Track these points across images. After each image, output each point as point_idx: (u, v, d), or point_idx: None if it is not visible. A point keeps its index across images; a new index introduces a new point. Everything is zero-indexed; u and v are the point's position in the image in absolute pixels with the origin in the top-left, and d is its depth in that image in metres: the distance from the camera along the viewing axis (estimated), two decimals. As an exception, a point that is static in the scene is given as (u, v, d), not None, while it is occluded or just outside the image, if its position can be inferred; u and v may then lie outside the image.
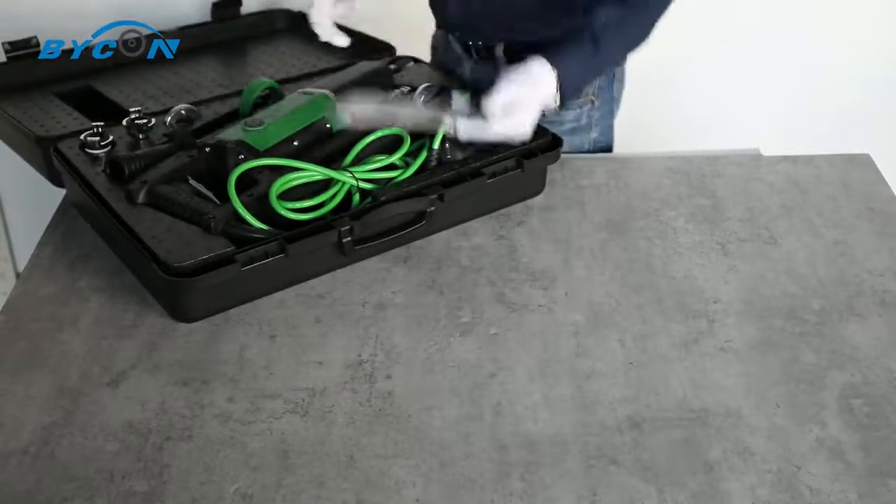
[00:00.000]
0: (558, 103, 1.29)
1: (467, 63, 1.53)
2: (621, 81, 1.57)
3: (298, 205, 1.23)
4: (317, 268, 1.24)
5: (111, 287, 1.24)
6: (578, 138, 1.54)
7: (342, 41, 1.43)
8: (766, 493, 0.95)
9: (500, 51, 1.46)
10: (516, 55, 1.41)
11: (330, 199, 1.25)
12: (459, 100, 1.35)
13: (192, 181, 1.26)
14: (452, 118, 1.30)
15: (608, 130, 1.58)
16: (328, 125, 1.36)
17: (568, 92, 1.29)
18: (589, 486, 0.96)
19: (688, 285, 1.24)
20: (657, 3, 1.31)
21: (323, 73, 1.57)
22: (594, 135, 1.55)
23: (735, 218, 1.37)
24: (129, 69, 1.63)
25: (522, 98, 1.26)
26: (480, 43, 1.49)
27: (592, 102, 1.51)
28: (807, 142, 1.67)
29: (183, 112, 1.41)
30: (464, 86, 1.45)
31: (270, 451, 1.00)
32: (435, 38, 1.62)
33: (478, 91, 1.43)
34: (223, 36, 1.76)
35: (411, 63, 1.58)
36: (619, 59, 1.39)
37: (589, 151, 1.56)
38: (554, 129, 1.40)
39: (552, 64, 1.27)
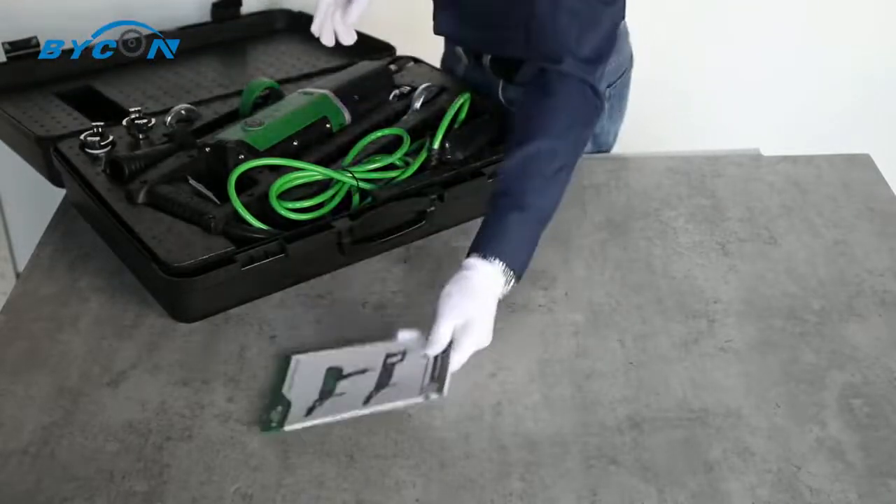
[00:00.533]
0: (513, 283, 1.13)
1: (461, 66, 1.53)
2: (620, 97, 1.53)
3: (298, 205, 1.23)
4: (317, 268, 1.24)
5: (111, 287, 1.24)
6: None
7: (349, 39, 1.32)
8: (766, 493, 0.95)
9: (486, 60, 1.45)
10: (504, 65, 1.43)
11: (330, 199, 1.25)
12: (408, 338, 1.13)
13: (192, 181, 1.26)
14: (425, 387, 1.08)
15: (602, 147, 1.56)
16: (328, 125, 1.36)
17: (520, 269, 1.13)
18: (589, 486, 0.96)
19: (688, 285, 1.24)
20: (570, 111, 1.18)
21: (323, 73, 1.57)
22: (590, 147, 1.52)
23: (735, 218, 1.37)
24: (129, 69, 1.63)
25: (470, 314, 1.08)
26: (471, 51, 1.48)
27: None
28: (807, 142, 1.67)
29: (183, 112, 1.41)
30: (464, 87, 1.46)
31: (270, 451, 1.00)
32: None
33: (475, 89, 1.44)
34: (223, 36, 1.76)
35: (411, 63, 1.58)
36: (555, 199, 1.18)
37: None
38: None
39: (490, 255, 1.11)
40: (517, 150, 1.17)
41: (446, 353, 1.06)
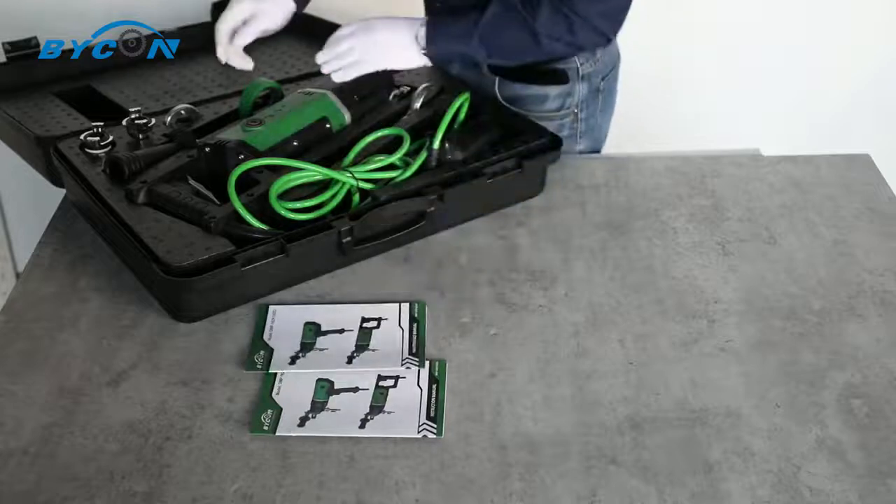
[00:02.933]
0: (424, 46, 1.33)
1: (454, 66, 1.53)
2: (611, 92, 1.56)
3: (298, 205, 1.23)
4: (317, 268, 1.24)
5: (111, 287, 1.24)
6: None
7: (245, 64, 1.43)
8: (766, 493, 0.95)
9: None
10: (498, 66, 1.46)
11: (330, 199, 1.25)
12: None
13: (191, 181, 1.26)
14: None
15: (597, 142, 1.58)
16: (328, 125, 1.37)
17: (435, 41, 1.34)
18: (589, 486, 0.96)
19: (688, 285, 1.24)
20: (556, 32, 1.32)
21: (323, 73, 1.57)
22: (579, 147, 1.54)
23: (735, 218, 1.37)
24: (129, 69, 1.63)
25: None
26: None
27: (576, 114, 1.51)
28: (807, 142, 1.67)
29: (183, 112, 1.41)
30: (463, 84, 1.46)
31: (270, 451, 1.00)
32: None
33: (501, 105, 1.48)
34: (223, 36, 1.76)
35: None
36: (505, 47, 1.35)
37: None
38: None
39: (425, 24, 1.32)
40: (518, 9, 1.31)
41: (439, 388, 1.08)
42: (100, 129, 1.34)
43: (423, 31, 1.34)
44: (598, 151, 1.59)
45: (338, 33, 1.38)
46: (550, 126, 1.45)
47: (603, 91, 1.52)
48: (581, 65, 1.46)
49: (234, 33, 1.41)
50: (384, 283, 1.24)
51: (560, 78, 1.46)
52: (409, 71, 1.55)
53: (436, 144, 1.32)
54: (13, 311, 1.20)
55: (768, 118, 2.22)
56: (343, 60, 1.36)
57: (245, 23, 1.41)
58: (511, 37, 1.33)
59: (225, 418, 1.04)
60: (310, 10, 1.83)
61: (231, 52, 1.41)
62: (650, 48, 2.10)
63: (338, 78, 1.37)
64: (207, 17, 1.76)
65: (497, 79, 1.48)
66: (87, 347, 1.14)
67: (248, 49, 1.41)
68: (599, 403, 1.06)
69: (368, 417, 1.04)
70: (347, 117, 1.39)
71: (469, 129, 1.39)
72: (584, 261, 1.28)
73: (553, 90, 1.47)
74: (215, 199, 1.23)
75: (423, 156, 1.32)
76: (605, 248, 1.31)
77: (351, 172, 1.27)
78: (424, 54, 1.35)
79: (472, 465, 0.99)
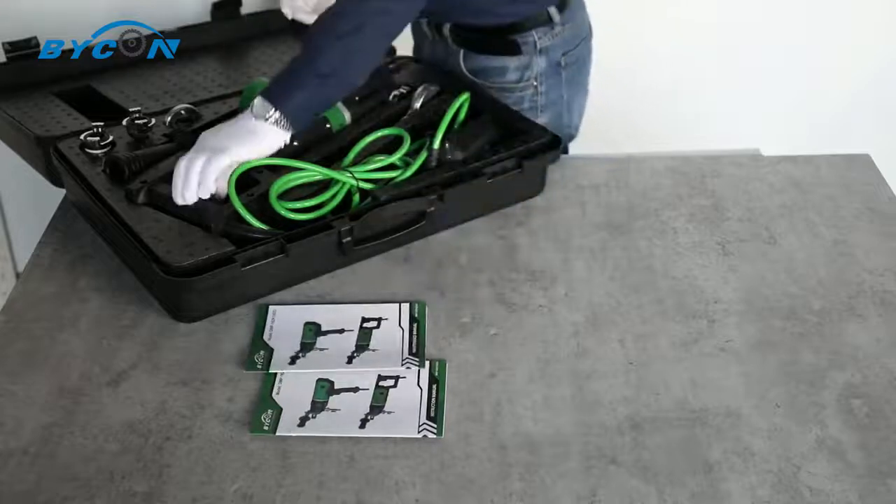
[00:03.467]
0: (285, 123, 1.21)
1: (430, 44, 1.57)
2: (579, 68, 1.57)
3: (298, 205, 1.23)
4: (317, 268, 1.24)
5: (111, 287, 1.24)
6: None
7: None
8: (766, 493, 0.95)
9: (446, 30, 1.51)
10: (461, 37, 1.50)
11: (330, 199, 1.25)
12: None
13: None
14: None
15: (561, 118, 1.58)
16: (328, 125, 1.36)
17: (292, 114, 1.21)
18: (589, 486, 0.96)
19: (688, 285, 1.24)
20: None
21: (323, 73, 1.57)
22: (542, 119, 1.54)
23: (735, 218, 1.37)
24: (129, 69, 1.63)
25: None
26: (433, 21, 1.53)
27: (535, 87, 1.52)
28: (807, 142, 1.67)
29: (183, 112, 1.41)
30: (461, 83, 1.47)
31: (270, 451, 1.00)
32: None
33: (438, 65, 1.52)
34: (223, 36, 1.76)
35: (411, 63, 1.57)
36: (336, 59, 1.23)
37: None
38: None
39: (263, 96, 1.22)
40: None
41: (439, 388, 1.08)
42: (100, 129, 1.34)
43: (258, 101, 1.22)
44: (566, 127, 1.59)
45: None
46: (511, 98, 1.50)
47: (566, 66, 1.54)
48: (539, 38, 1.48)
49: None
50: (384, 283, 1.24)
51: (512, 49, 1.49)
52: (409, 71, 1.55)
53: (436, 144, 1.32)
54: (13, 311, 1.20)
55: (768, 118, 2.22)
56: (191, 175, 1.19)
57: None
58: (337, 38, 1.23)
59: (225, 418, 1.04)
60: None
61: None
62: (650, 48, 2.11)
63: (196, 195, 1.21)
64: (207, 17, 1.76)
65: (462, 51, 1.51)
66: (87, 347, 1.14)
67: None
68: (599, 403, 1.06)
69: (368, 417, 1.04)
70: (347, 117, 1.39)
71: (469, 129, 1.39)
72: (584, 261, 1.28)
73: (511, 62, 1.50)
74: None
75: (423, 156, 1.32)
76: (605, 248, 1.31)
77: (351, 172, 1.27)
78: (277, 125, 1.22)
79: (472, 465, 0.99)
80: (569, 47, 1.53)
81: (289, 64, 1.24)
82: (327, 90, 1.25)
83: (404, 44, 1.65)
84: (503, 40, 1.48)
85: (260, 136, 1.21)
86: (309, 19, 1.43)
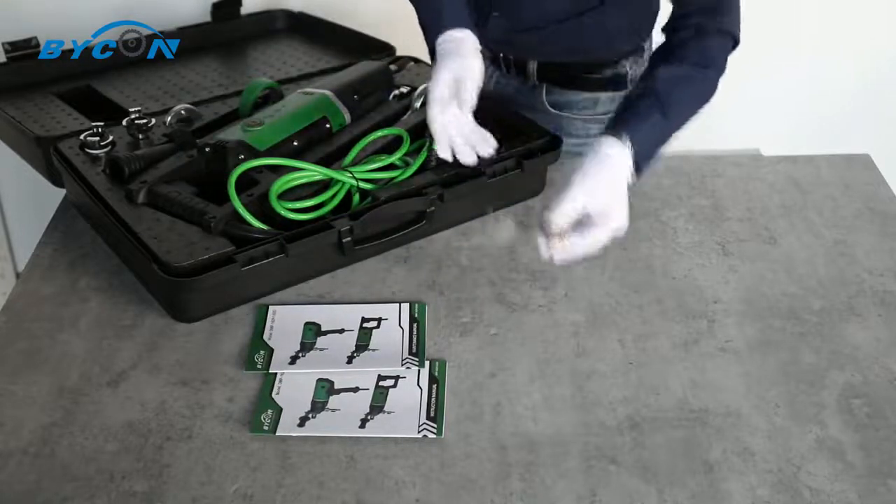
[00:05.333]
0: (635, 180, 1.14)
1: (493, 73, 1.51)
2: None
3: (298, 205, 1.23)
4: (317, 268, 1.24)
5: (111, 287, 1.24)
6: None
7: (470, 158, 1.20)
8: (766, 493, 0.95)
9: (532, 67, 1.46)
10: (548, 74, 1.45)
11: (330, 199, 1.25)
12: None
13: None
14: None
15: None
16: (328, 125, 1.37)
17: (643, 167, 1.14)
18: (589, 486, 0.96)
19: (688, 285, 1.24)
20: (722, 58, 1.23)
21: (323, 73, 1.57)
22: None
23: (735, 218, 1.37)
24: (129, 69, 1.63)
25: (606, 201, 1.11)
26: (512, 57, 1.47)
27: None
28: (807, 142, 1.67)
29: (183, 112, 1.41)
30: None
31: (270, 451, 1.00)
32: None
33: (501, 101, 1.45)
34: (223, 36, 1.76)
35: (411, 63, 1.58)
36: (688, 120, 1.20)
37: None
38: (580, 140, 1.41)
39: (625, 137, 1.13)
40: (675, 64, 1.19)
41: (439, 388, 1.07)
42: (100, 129, 1.34)
43: (633, 171, 1.14)
44: None
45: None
46: (596, 129, 1.43)
47: None
48: (630, 68, 1.45)
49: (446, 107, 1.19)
50: (384, 283, 1.24)
51: (610, 84, 1.45)
52: (409, 71, 1.55)
53: (436, 144, 1.32)
54: (13, 311, 1.20)
55: (768, 118, 2.22)
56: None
57: (454, 94, 1.18)
58: (696, 96, 1.21)
59: (225, 418, 1.04)
60: (310, 10, 1.83)
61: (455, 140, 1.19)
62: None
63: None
64: (207, 17, 1.76)
65: (545, 86, 1.47)
66: (87, 347, 1.14)
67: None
68: (599, 403, 1.06)
69: (368, 417, 1.04)
70: (347, 117, 1.39)
71: (469, 129, 1.39)
72: (584, 261, 1.28)
73: (603, 95, 1.46)
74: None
75: (423, 156, 1.32)
76: (605, 248, 1.30)
77: (351, 172, 1.27)
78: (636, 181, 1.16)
79: (472, 465, 0.99)
80: (642, 71, 1.45)
81: (656, 113, 1.16)
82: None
83: (406, 46, 1.65)
84: (599, 76, 1.44)
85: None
86: (468, 155, 1.21)
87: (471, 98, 1.18)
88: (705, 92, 1.21)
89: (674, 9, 1.25)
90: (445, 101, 1.17)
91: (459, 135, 1.19)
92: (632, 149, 1.13)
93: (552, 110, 1.48)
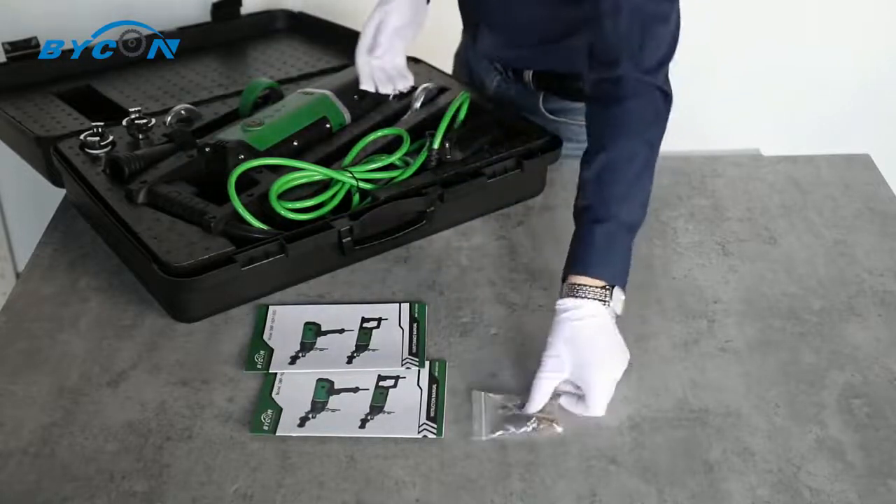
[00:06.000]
0: (620, 295, 1.08)
1: (494, 78, 1.52)
2: None
3: (298, 205, 1.23)
4: (317, 268, 1.24)
5: (111, 287, 1.24)
6: None
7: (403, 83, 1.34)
8: (766, 493, 0.95)
9: (528, 76, 1.45)
10: (545, 83, 1.45)
11: (330, 199, 1.25)
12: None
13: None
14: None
15: None
16: (328, 125, 1.37)
17: (616, 278, 1.07)
18: (589, 486, 0.96)
19: (688, 285, 1.24)
20: (628, 89, 1.12)
21: (323, 73, 1.57)
22: None
23: (735, 218, 1.37)
24: (129, 69, 1.63)
25: (582, 359, 1.04)
26: (509, 67, 1.47)
27: None
28: (807, 142, 1.67)
29: (183, 112, 1.41)
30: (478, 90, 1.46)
31: (270, 451, 1.00)
32: (464, 40, 1.60)
33: (501, 104, 1.45)
34: (223, 36, 1.76)
35: (411, 63, 1.57)
36: (644, 201, 1.14)
37: None
38: (579, 144, 1.38)
39: (597, 276, 1.06)
40: (593, 160, 1.12)
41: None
42: (100, 129, 1.34)
43: (618, 303, 1.07)
44: None
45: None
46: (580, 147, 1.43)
47: None
48: None
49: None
50: (384, 283, 1.24)
51: None
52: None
53: (436, 144, 1.32)
54: (13, 311, 1.20)
55: (768, 118, 2.22)
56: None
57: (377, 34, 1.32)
58: (639, 180, 1.13)
59: (225, 418, 1.04)
60: (310, 10, 1.83)
61: (376, 74, 1.32)
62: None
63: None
64: (207, 17, 1.76)
65: (542, 94, 1.46)
66: (87, 347, 1.14)
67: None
68: (599, 403, 1.06)
69: (368, 417, 1.04)
70: (347, 117, 1.39)
71: (469, 129, 1.39)
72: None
73: None
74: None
75: (423, 156, 1.32)
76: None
77: (351, 172, 1.27)
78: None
79: (472, 465, 0.99)
80: None
81: (602, 235, 1.08)
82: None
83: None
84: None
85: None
86: (385, 86, 1.34)
87: (385, 42, 1.32)
88: (633, 173, 1.11)
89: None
90: (370, 47, 1.33)
91: (380, 70, 1.34)
92: (600, 285, 1.05)
93: (550, 116, 1.47)
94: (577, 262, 1.08)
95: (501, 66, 1.48)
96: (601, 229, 1.08)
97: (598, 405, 1.03)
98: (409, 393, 1.07)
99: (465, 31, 1.58)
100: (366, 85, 1.35)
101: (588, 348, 1.03)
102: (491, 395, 1.06)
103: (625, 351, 1.05)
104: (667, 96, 1.14)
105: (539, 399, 1.03)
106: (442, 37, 1.59)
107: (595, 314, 1.05)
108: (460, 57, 1.61)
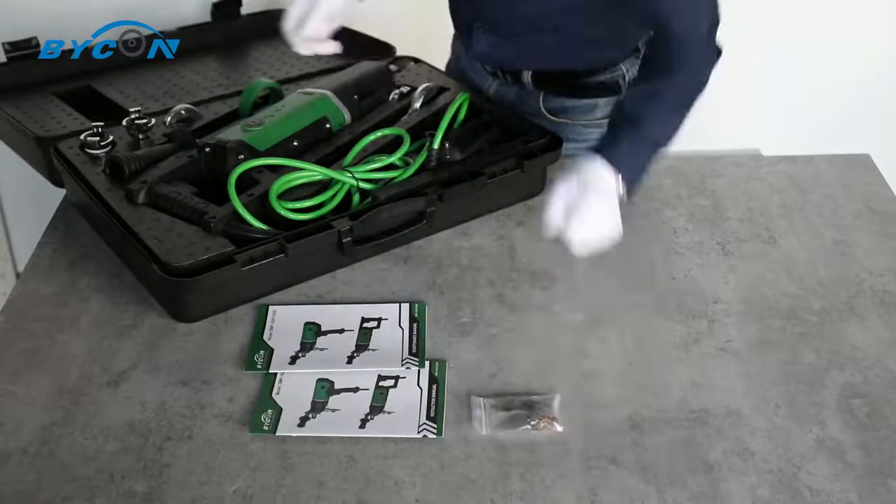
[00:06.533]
0: (626, 194, 1.21)
1: (492, 82, 1.51)
2: None
3: (298, 205, 1.23)
4: (317, 268, 1.24)
5: (111, 287, 1.24)
6: None
7: (329, 47, 1.30)
8: (766, 493, 0.95)
9: (527, 77, 1.45)
10: (544, 82, 1.45)
11: (330, 199, 1.25)
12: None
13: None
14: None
15: None
16: (328, 125, 1.36)
17: (632, 182, 1.22)
18: (589, 486, 0.96)
19: (688, 285, 1.24)
20: (692, 58, 1.24)
21: (323, 73, 1.57)
22: None
23: (735, 218, 1.37)
24: (129, 69, 1.63)
25: (575, 198, 1.19)
26: (507, 69, 1.47)
27: None
28: (807, 142, 1.67)
29: (183, 112, 1.41)
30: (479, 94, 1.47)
31: (270, 451, 1.00)
32: (456, 46, 1.60)
33: (501, 105, 1.46)
34: (223, 36, 1.76)
35: (411, 63, 1.57)
36: (674, 126, 1.26)
37: None
38: (580, 144, 1.40)
39: (607, 160, 1.20)
40: (643, 83, 1.26)
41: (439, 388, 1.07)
42: (100, 129, 1.34)
43: (623, 188, 1.22)
44: None
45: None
46: (596, 133, 1.43)
47: None
48: (627, 70, 1.43)
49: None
50: (384, 283, 1.24)
51: (614, 89, 1.44)
52: (409, 71, 1.55)
53: (436, 144, 1.32)
54: (13, 311, 1.20)
55: (768, 118, 2.22)
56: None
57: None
58: (677, 112, 1.26)
59: (225, 418, 1.04)
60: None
61: (303, 39, 1.28)
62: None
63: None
64: (207, 17, 1.76)
65: (542, 94, 1.46)
66: (87, 347, 1.14)
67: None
68: (599, 403, 1.06)
69: (368, 417, 1.04)
70: (347, 117, 1.39)
71: (469, 129, 1.39)
72: (584, 261, 1.28)
73: (601, 100, 1.45)
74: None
75: (423, 156, 1.32)
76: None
77: (351, 172, 1.27)
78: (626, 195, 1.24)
79: (472, 465, 0.99)
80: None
81: (630, 133, 1.23)
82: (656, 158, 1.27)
83: (407, 46, 1.65)
84: (594, 80, 1.43)
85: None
86: (324, 48, 1.31)
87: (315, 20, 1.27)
88: (681, 96, 1.25)
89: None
90: (298, 19, 1.29)
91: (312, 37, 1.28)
92: (611, 164, 1.20)
93: (550, 117, 1.47)
94: (600, 150, 1.22)
95: (499, 70, 1.48)
96: (629, 132, 1.23)
97: (576, 234, 1.17)
98: (409, 393, 1.07)
99: (456, 40, 1.58)
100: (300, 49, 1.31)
101: (593, 191, 1.18)
102: (490, 398, 1.06)
103: (618, 225, 1.19)
104: (717, 54, 1.27)
105: (552, 213, 1.19)
106: (441, 36, 1.59)
107: (609, 178, 1.20)
108: (452, 69, 1.60)
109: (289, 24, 1.30)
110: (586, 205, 1.18)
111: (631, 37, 1.40)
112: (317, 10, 1.27)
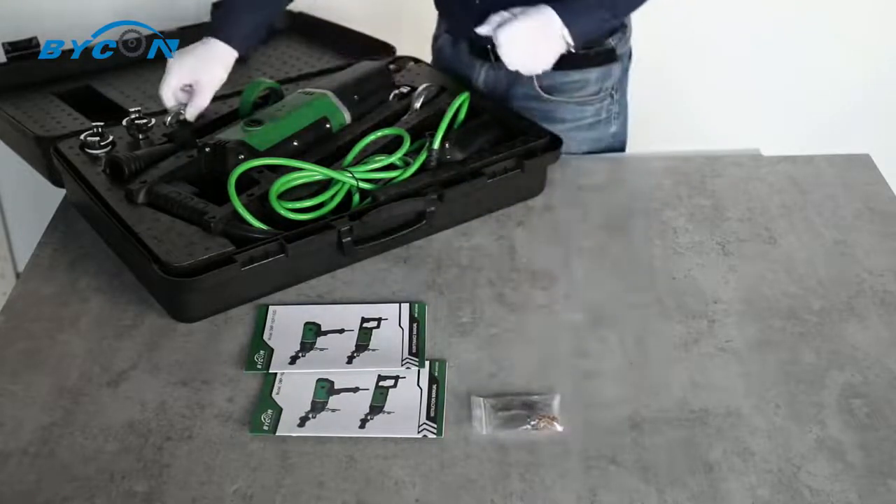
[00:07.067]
0: (571, 42, 1.34)
1: (480, 69, 1.53)
2: (628, 70, 1.58)
3: (298, 205, 1.23)
4: (317, 268, 1.24)
5: (111, 287, 1.24)
6: (598, 132, 1.54)
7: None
8: (766, 493, 0.95)
9: None
10: None
11: (330, 199, 1.25)
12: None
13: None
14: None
15: (625, 125, 1.59)
16: (328, 125, 1.37)
17: (577, 37, 1.35)
18: (589, 486, 0.96)
19: (688, 285, 1.24)
20: None
21: (323, 73, 1.57)
22: (613, 129, 1.55)
23: (735, 218, 1.37)
24: (129, 69, 1.63)
25: (532, 34, 1.33)
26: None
27: (612, 96, 1.52)
28: (807, 142, 1.67)
29: (183, 112, 1.41)
30: (469, 88, 1.46)
31: (270, 451, 1.00)
32: (439, 43, 1.61)
33: (501, 103, 1.49)
34: (223, 36, 1.76)
35: (411, 63, 1.58)
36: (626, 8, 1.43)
37: (608, 146, 1.56)
38: (574, 124, 1.42)
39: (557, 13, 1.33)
40: None
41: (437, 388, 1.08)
42: (100, 129, 1.34)
43: (566, 32, 1.35)
44: (625, 134, 1.59)
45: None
46: (589, 111, 1.49)
47: (627, 70, 1.55)
48: (616, 45, 1.48)
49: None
50: (384, 283, 1.24)
51: (605, 58, 1.48)
52: (409, 71, 1.55)
53: (436, 144, 1.32)
54: (13, 311, 1.20)
55: (768, 118, 2.22)
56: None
57: (189, 91, 1.37)
58: None
59: (225, 418, 1.04)
60: (310, 9, 1.83)
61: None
62: (650, 48, 2.10)
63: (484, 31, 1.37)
64: (207, 17, 1.76)
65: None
66: (87, 347, 1.14)
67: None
68: (599, 403, 1.06)
69: (368, 417, 1.04)
70: (347, 117, 1.39)
71: (469, 129, 1.39)
72: (584, 261, 1.28)
73: (592, 74, 1.48)
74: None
75: (423, 156, 1.32)
76: (605, 248, 1.31)
77: (351, 172, 1.27)
78: (568, 44, 1.37)
79: (472, 465, 0.99)
80: (629, 50, 1.53)
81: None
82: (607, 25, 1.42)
83: (406, 46, 1.65)
84: (583, 54, 1.45)
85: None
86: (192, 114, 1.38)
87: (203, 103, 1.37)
88: None
89: None
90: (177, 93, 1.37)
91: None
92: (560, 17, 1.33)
93: (545, 95, 1.49)
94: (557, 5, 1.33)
95: (492, 50, 1.48)
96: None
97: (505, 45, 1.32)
98: (409, 393, 1.07)
99: (436, 39, 1.58)
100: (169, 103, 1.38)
101: (533, 18, 1.33)
102: (490, 398, 1.06)
103: (551, 52, 1.35)
104: None
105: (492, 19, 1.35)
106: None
107: (553, 20, 1.33)
108: (437, 62, 1.61)
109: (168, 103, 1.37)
110: (525, 20, 1.32)
111: (606, 14, 1.45)
112: (200, 98, 1.36)
